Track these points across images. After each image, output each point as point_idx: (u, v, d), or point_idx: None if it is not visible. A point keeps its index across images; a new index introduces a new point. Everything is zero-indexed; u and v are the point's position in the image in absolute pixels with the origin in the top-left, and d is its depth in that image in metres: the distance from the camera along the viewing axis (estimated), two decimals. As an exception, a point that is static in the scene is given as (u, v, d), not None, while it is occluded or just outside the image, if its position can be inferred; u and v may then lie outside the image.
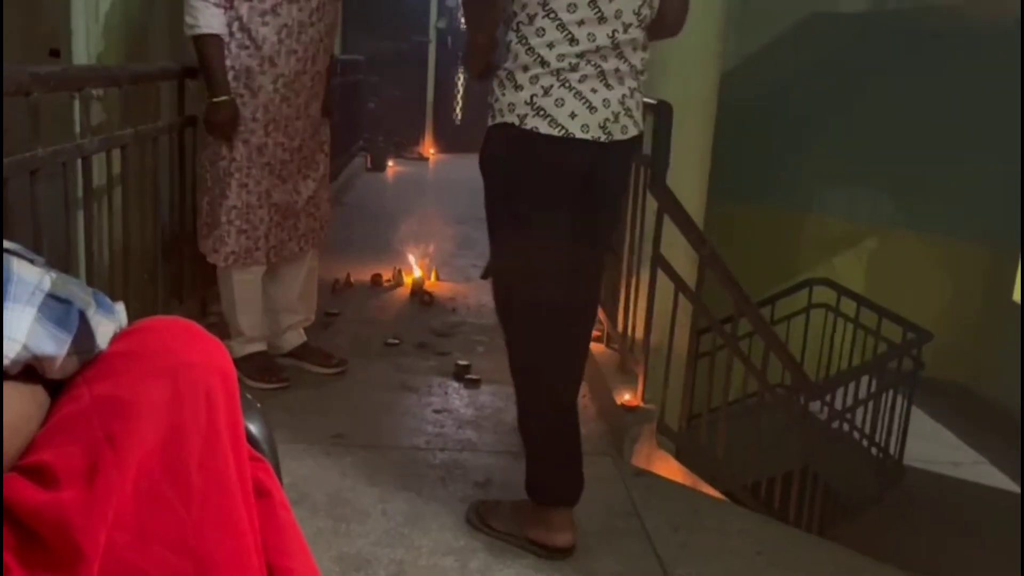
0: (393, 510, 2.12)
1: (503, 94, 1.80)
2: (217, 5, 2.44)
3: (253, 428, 0.94)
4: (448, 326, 3.53)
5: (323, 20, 2.58)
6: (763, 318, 3.17)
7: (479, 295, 4.02)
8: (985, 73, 5.90)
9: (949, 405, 5.99)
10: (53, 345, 0.79)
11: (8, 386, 0.78)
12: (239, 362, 2.69)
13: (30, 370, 0.81)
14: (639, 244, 2.91)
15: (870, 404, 4.56)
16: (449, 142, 8.52)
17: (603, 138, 1.80)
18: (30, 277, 0.79)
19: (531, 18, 1.75)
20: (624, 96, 1.83)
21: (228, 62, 2.49)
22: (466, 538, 2.02)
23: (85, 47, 2.63)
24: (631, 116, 1.86)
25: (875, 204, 6.78)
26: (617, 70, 1.80)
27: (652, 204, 2.75)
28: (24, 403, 0.78)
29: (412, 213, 5.27)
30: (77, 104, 2.19)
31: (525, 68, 1.77)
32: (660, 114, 2.70)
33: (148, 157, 2.56)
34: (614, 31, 1.77)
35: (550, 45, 1.75)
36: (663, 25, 1.89)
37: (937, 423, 5.85)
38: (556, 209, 1.81)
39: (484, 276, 1.88)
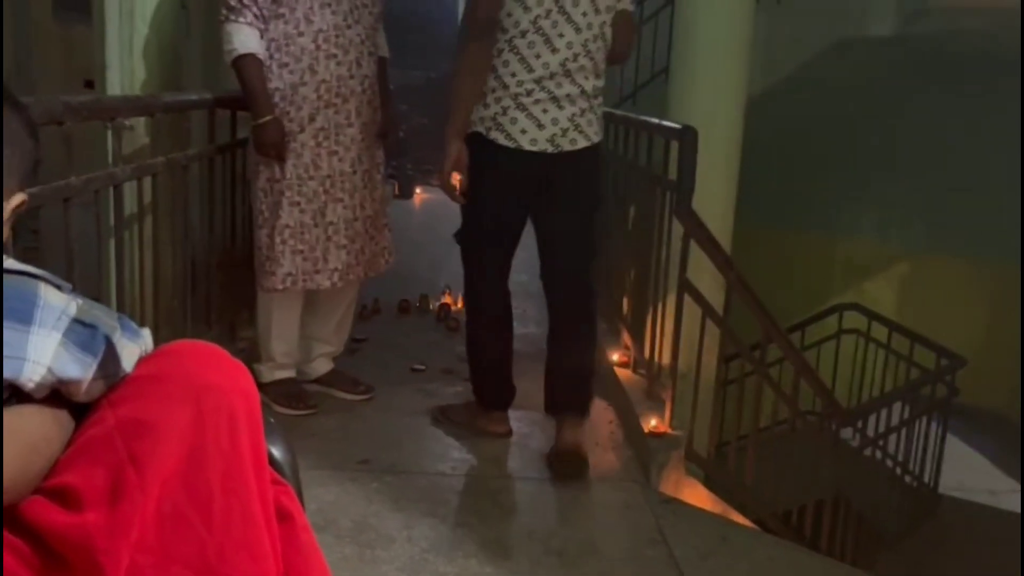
0: (418, 536, 2.11)
1: (476, 110, 2.41)
2: (251, 25, 2.44)
3: (276, 452, 0.94)
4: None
5: (360, 22, 2.53)
6: (792, 344, 3.14)
7: (506, 321, 4.02)
8: (1014, 97, 5.84)
9: (984, 432, 5.87)
10: (78, 369, 0.80)
11: (31, 408, 0.79)
12: (267, 387, 2.70)
13: (55, 393, 0.82)
14: (665, 269, 2.90)
15: (903, 431, 4.48)
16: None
17: (551, 150, 2.41)
18: (56, 302, 0.80)
19: (499, 52, 2.35)
20: (574, 115, 2.41)
21: (272, 84, 2.48)
22: (492, 565, 2.00)
23: (119, 78, 2.69)
24: (581, 131, 2.43)
25: (905, 227, 6.70)
26: (568, 95, 2.38)
27: (678, 229, 2.74)
28: (46, 425, 0.79)
29: (439, 240, 5.29)
30: (110, 133, 2.23)
31: (492, 90, 2.38)
32: (685, 139, 2.70)
33: (179, 185, 2.60)
34: (564, 60, 2.36)
35: (512, 73, 2.35)
36: (613, 52, 2.48)
37: (973, 450, 5.73)
38: (504, 198, 2.48)
39: (455, 236, 2.66)
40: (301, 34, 2.46)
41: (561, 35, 2.32)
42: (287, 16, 2.46)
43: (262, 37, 2.47)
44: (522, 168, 2.40)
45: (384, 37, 2.75)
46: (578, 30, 2.33)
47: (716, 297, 2.72)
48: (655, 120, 3.15)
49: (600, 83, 2.45)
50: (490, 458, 2.60)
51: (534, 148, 2.37)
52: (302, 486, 1.00)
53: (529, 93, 2.34)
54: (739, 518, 2.62)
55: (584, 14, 2.34)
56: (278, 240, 2.53)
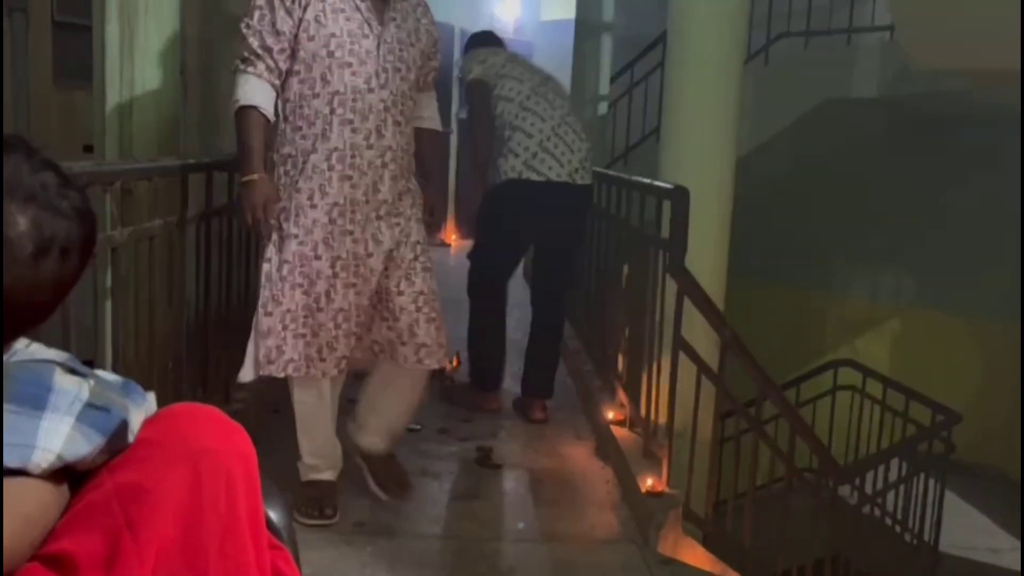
0: (414, 601, 2.07)
1: (506, 160, 3.29)
2: (260, 77, 2.24)
3: (273, 515, 0.94)
4: (469, 411, 3.51)
5: (387, 86, 2.27)
6: (788, 401, 3.14)
7: (501, 380, 4.01)
8: (1001, 155, 5.94)
9: (983, 489, 5.83)
10: (87, 448, 0.80)
11: (32, 485, 0.78)
12: (297, 487, 2.49)
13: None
14: (660, 327, 2.91)
15: (901, 488, 4.45)
16: (471, 229, 8.63)
17: (569, 181, 3.31)
18: (70, 387, 0.80)
19: (516, 115, 3.32)
20: (583, 159, 3.36)
21: (284, 149, 2.30)
22: (488, 630, 1.97)
23: (118, 143, 2.72)
24: (587, 171, 3.40)
25: (897, 284, 6.75)
26: (574, 141, 3.34)
27: (672, 287, 2.76)
28: (43, 494, 0.79)
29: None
30: (108, 197, 2.25)
31: (519, 143, 3.28)
32: (676, 198, 2.74)
33: (176, 247, 2.61)
34: (557, 122, 3.33)
35: (529, 135, 3.29)
36: None
37: (972, 508, 5.68)
38: (526, 221, 3.38)
39: (469, 256, 3.53)
40: (316, 95, 2.24)
41: (547, 108, 3.34)
42: (303, 74, 2.25)
43: (278, 94, 2.29)
44: (545, 198, 3.27)
45: (434, 106, 2.59)
46: (554, 107, 3.36)
47: (711, 354, 2.73)
48: (647, 180, 3.20)
49: (585, 137, 3.44)
50: (486, 520, 2.58)
51: (559, 179, 3.27)
52: (298, 549, 1.00)
53: (549, 139, 3.28)
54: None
55: (551, 101, 3.38)
56: (279, 326, 2.31)
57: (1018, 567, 5.03)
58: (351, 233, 2.30)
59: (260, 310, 2.33)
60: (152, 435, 0.85)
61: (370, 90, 2.26)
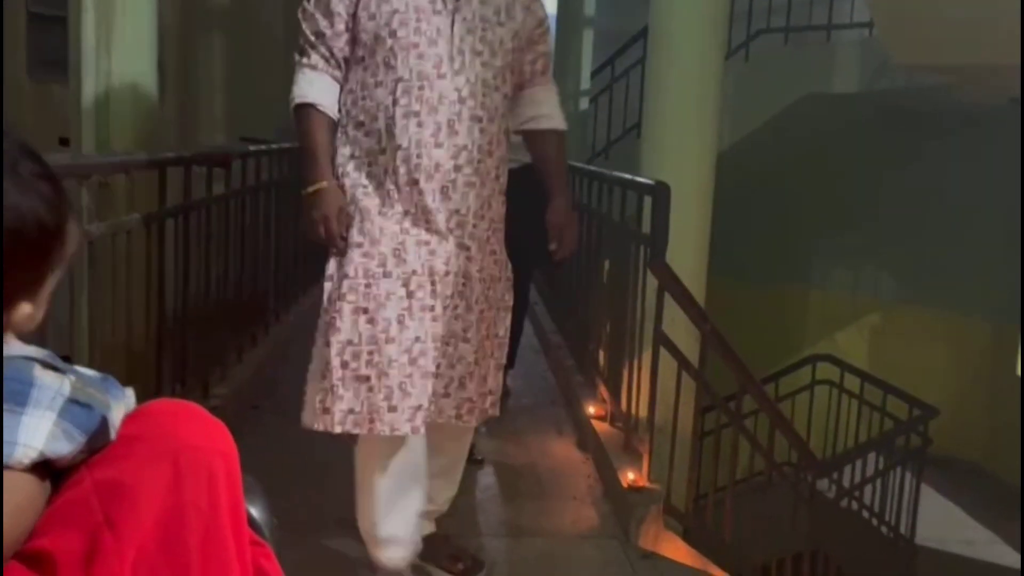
0: (395, 596, 2.07)
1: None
2: (316, 68, 1.92)
3: (255, 512, 0.93)
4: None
5: (464, 72, 1.86)
6: (767, 395, 3.16)
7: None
8: (979, 151, 6.00)
9: (959, 482, 5.90)
10: (68, 446, 0.79)
11: (19, 478, 0.78)
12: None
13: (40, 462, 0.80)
14: (640, 322, 2.92)
15: (878, 482, 4.49)
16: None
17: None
18: (51, 383, 0.79)
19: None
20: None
21: (347, 148, 1.92)
22: (470, 625, 1.97)
23: (94, 135, 2.69)
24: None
25: (876, 280, 6.81)
26: None
27: (652, 282, 2.77)
28: (28, 486, 0.78)
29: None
30: (84, 191, 2.23)
31: None
32: (657, 194, 2.75)
33: (153, 241, 2.59)
34: None
35: None
36: None
37: (948, 501, 5.75)
38: None
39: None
40: (379, 84, 1.87)
41: None
42: (365, 60, 1.89)
43: (341, 86, 1.94)
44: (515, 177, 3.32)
45: (554, 102, 2.09)
46: None
47: (691, 349, 2.74)
48: (628, 176, 3.20)
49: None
50: (467, 515, 2.58)
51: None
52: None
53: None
54: (718, 572, 2.60)
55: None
56: (336, 362, 1.85)
57: (992, 559, 5.10)
58: (427, 244, 1.87)
59: (318, 339, 1.91)
60: (132, 432, 0.83)
61: (440, 76, 1.84)
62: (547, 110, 2.07)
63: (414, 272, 1.85)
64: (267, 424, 3.15)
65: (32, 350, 0.81)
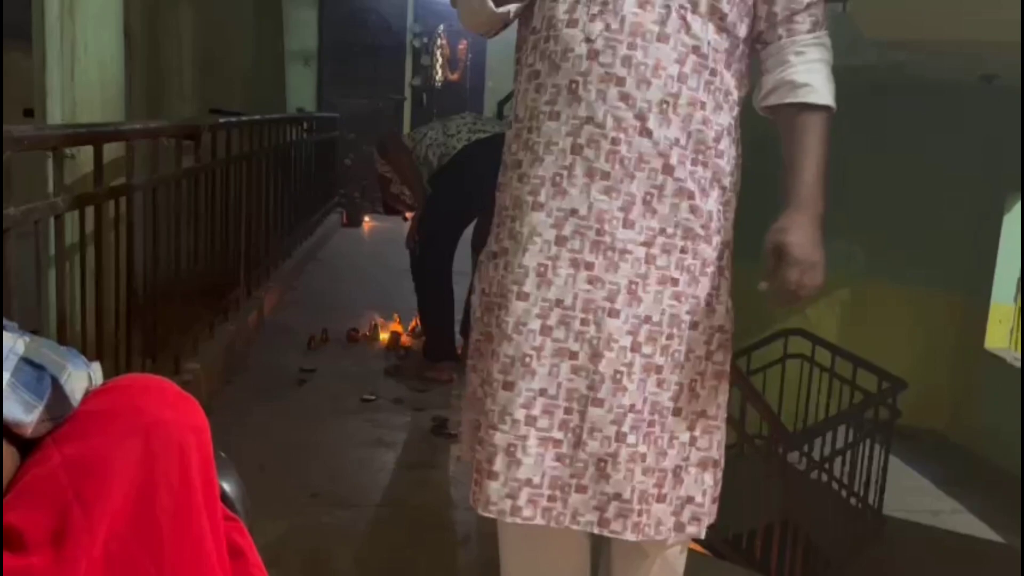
0: (371, 570, 2.08)
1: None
2: None
3: (227, 487, 0.92)
4: (425, 381, 3.50)
5: (602, 18, 1.29)
6: (739, 369, 3.18)
7: (456, 350, 4.01)
8: (949, 128, 6.05)
9: (926, 453, 6.00)
10: (22, 411, 0.78)
11: None
12: None
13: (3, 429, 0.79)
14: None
15: (848, 454, 4.56)
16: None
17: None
18: (4, 342, 0.78)
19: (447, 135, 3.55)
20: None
21: (518, 110, 1.40)
22: (445, 598, 1.98)
23: (60, 107, 2.63)
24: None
25: (847, 256, 6.87)
26: None
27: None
28: None
29: (388, 268, 5.27)
30: (51, 163, 2.18)
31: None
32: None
33: (122, 215, 2.55)
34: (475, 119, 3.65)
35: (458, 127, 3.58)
36: None
37: (915, 472, 5.85)
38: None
39: (408, 244, 3.62)
40: (527, 35, 1.40)
41: (460, 120, 3.66)
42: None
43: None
44: (499, 145, 3.21)
45: (818, 71, 1.38)
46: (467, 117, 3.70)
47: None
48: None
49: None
50: (440, 489, 2.58)
51: (504, 130, 3.24)
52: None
53: (476, 122, 3.65)
54: (690, 543, 2.63)
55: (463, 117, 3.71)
56: (467, 399, 1.47)
57: (958, 528, 5.20)
58: (588, 267, 1.31)
59: (469, 372, 1.49)
60: (102, 406, 0.82)
61: (570, 23, 1.31)
62: (804, 78, 1.35)
63: (559, 302, 1.31)
64: (238, 400, 3.13)
65: None
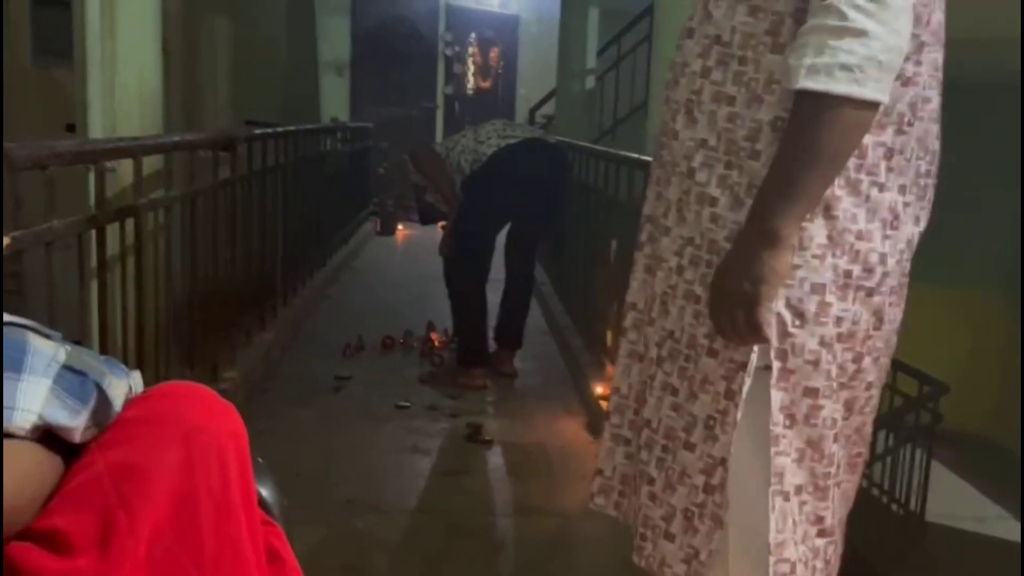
0: (406, 575, 2.09)
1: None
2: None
3: (265, 493, 0.94)
4: (458, 388, 3.52)
5: (709, 22, 1.20)
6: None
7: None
8: (981, 124, 5.95)
9: (970, 458, 5.89)
10: (68, 416, 0.80)
11: (26, 445, 0.79)
12: None
13: (48, 433, 0.81)
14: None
15: (888, 459, 4.49)
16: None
17: (544, 138, 3.75)
18: (46, 349, 0.80)
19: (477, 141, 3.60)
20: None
21: None
22: (481, 603, 1.99)
23: (100, 121, 2.69)
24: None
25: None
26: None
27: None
28: (35, 452, 0.79)
29: (421, 276, 5.30)
30: (92, 176, 2.23)
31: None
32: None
33: (161, 226, 2.59)
34: (504, 124, 3.75)
35: (488, 135, 3.61)
36: None
37: (958, 478, 5.75)
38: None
39: (442, 252, 3.67)
40: None
41: (491, 125, 3.71)
42: None
43: None
44: (529, 151, 3.55)
45: (802, 39, 1.07)
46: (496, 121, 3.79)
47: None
48: (635, 155, 3.19)
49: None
50: (476, 495, 2.59)
51: (533, 136, 3.69)
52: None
53: (507, 127, 3.70)
54: (728, 550, 2.61)
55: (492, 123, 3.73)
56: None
57: (1003, 535, 5.10)
58: (648, 271, 1.32)
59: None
60: (143, 413, 0.84)
61: (688, 32, 1.25)
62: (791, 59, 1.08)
63: (633, 305, 1.35)
64: (275, 407, 3.17)
65: (20, 319, 0.82)
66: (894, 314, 1.22)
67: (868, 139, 1.11)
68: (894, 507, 4.72)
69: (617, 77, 6.84)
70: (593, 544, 2.35)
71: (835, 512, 1.22)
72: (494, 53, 9.01)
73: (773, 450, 1.14)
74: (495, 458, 2.88)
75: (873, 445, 4.36)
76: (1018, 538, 5.07)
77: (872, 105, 1.05)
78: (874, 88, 1.02)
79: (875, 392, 1.24)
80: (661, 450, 1.26)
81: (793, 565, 1.16)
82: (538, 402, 3.43)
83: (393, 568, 2.12)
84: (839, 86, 1.01)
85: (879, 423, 4.93)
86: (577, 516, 2.47)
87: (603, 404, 3.12)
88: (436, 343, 4.03)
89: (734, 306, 1.09)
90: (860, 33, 1.01)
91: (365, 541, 2.23)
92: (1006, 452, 6.12)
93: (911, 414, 4.56)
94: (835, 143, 1.05)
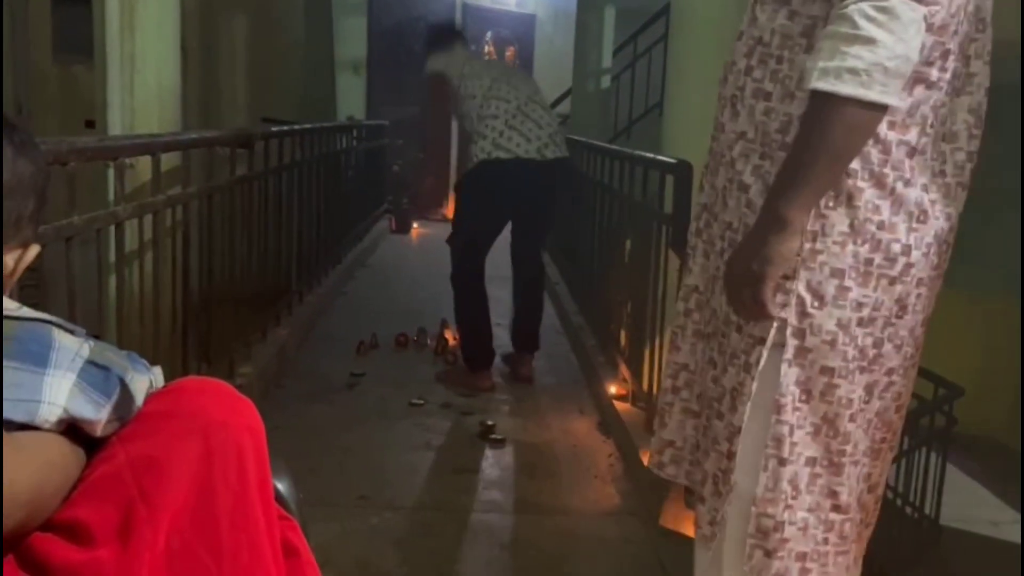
0: (418, 571, 2.10)
1: (475, 146, 3.40)
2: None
3: (281, 487, 0.95)
4: (469, 388, 3.53)
5: (755, 25, 1.30)
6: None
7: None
8: (997, 126, 5.91)
9: (985, 462, 5.85)
10: (93, 410, 0.82)
11: (52, 437, 0.81)
12: None
13: (71, 428, 0.83)
14: (662, 302, 2.91)
15: (903, 462, 4.47)
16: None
17: (538, 158, 3.41)
18: (70, 345, 0.82)
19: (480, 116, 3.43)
20: (552, 133, 3.50)
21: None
22: (493, 601, 1.99)
23: (120, 118, 2.71)
24: (557, 145, 3.49)
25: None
26: (541, 117, 3.50)
27: (674, 262, 2.76)
28: (62, 445, 0.81)
29: (436, 274, 5.32)
30: (111, 172, 2.25)
31: (485, 124, 3.41)
32: (679, 173, 2.73)
33: (179, 222, 2.62)
34: (525, 99, 3.49)
35: (497, 106, 3.42)
36: None
37: (974, 481, 5.71)
38: (500, 202, 3.49)
39: (448, 241, 3.59)
40: None
41: (510, 91, 3.49)
42: None
43: None
44: (517, 172, 3.37)
45: (819, 43, 1.16)
46: (517, 90, 3.51)
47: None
48: (650, 155, 3.19)
49: (554, 114, 3.47)
50: (488, 493, 2.60)
51: (527, 156, 3.38)
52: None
53: (515, 116, 3.42)
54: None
55: (514, 85, 3.53)
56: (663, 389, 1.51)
57: (1017, 540, 5.06)
58: (706, 255, 1.42)
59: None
60: (163, 408, 0.86)
61: (739, 34, 1.37)
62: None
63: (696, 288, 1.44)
64: (290, 404, 3.19)
65: (45, 315, 0.84)
66: (921, 305, 1.28)
67: (893, 137, 1.18)
68: (908, 510, 4.69)
69: (633, 77, 6.83)
70: (603, 543, 2.36)
71: (852, 491, 1.28)
72: (510, 52, 9.01)
73: (775, 417, 1.23)
74: (507, 457, 2.88)
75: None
76: (1033, 543, 5.02)
77: (878, 107, 1.12)
78: (879, 91, 1.10)
79: (898, 379, 1.30)
80: (705, 419, 1.38)
81: (779, 524, 1.24)
82: (551, 401, 3.43)
83: (405, 564, 2.13)
84: (845, 88, 1.10)
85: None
86: (588, 515, 2.48)
87: (616, 404, 3.12)
88: (450, 341, 4.04)
89: (742, 284, 1.20)
90: (869, 41, 1.09)
91: (378, 537, 2.25)
92: (1020, 456, 6.06)
93: (926, 417, 4.54)
94: (840, 139, 1.14)
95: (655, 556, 2.26)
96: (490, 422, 3.08)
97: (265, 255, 3.49)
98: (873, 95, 1.10)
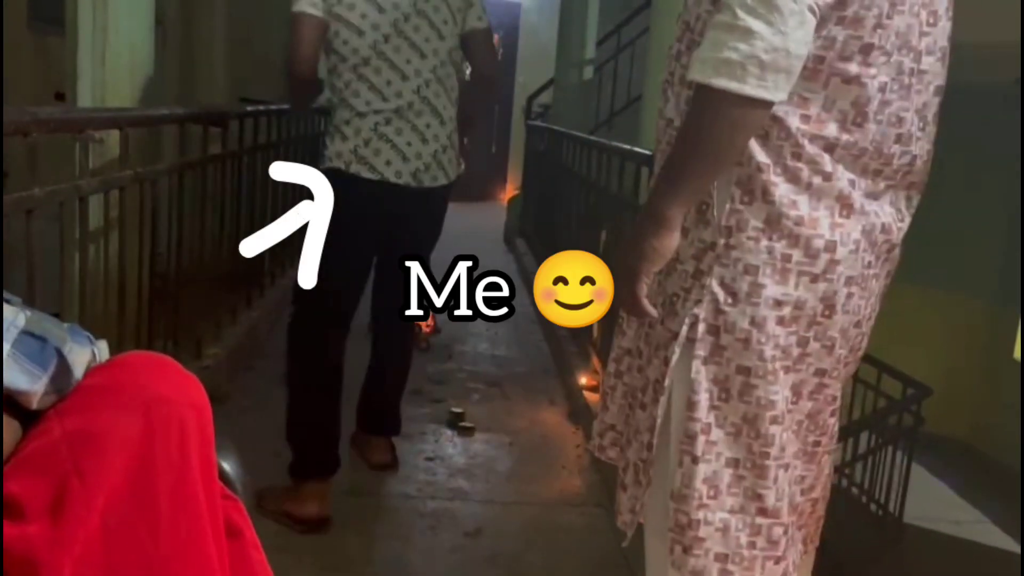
0: (379, 559, 2.09)
1: (333, 143, 2.20)
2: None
3: (227, 467, 0.93)
4: (443, 373, 3.52)
5: None
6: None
7: (476, 343, 4.01)
8: (976, 129, 5.96)
9: (949, 462, 5.92)
10: (27, 381, 0.79)
11: None
12: None
13: (6, 400, 0.81)
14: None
15: (869, 460, 4.51)
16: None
17: (413, 184, 2.23)
18: (6, 315, 0.80)
19: (347, 83, 2.17)
20: (437, 151, 2.26)
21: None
22: (453, 588, 1.99)
23: (90, 90, 2.66)
24: (442, 168, 2.29)
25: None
26: (430, 125, 2.24)
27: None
28: None
29: (412, 260, 5.29)
30: (77, 146, 2.21)
31: (347, 122, 2.18)
32: (655, 165, 2.73)
33: (147, 199, 2.58)
34: (418, 87, 2.21)
35: (367, 102, 2.17)
36: (476, 75, 2.40)
37: (938, 480, 5.78)
38: (360, 237, 2.24)
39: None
40: None
41: (408, 61, 2.18)
42: None
43: None
44: (383, 202, 2.21)
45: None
46: (423, 56, 2.20)
47: (684, 322, 2.73)
48: (626, 146, 3.18)
49: (454, 111, 2.31)
50: (454, 481, 2.59)
51: (399, 181, 2.21)
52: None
53: (388, 122, 2.19)
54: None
55: (427, 40, 2.20)
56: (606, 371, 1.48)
57: (980, 539, 5.13)
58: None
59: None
60: (104, 381, 0.84)
61: (679, 19, 1.36)
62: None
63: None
64: (259, 385, 3.16)
65: None
66: (853, 305, 1.22)
67: (806, 130, 1.13)
68: (872, 507, 4.74)
69: (616, 68, 6.82)
70: (568, 533, 2.36)
71: (782, 494, 1.23)
72: (494, 40, 8.99)
73: (687, 414, 1.20)
74: (476, 445, 2.88)
75: (855, 446, 4.38)
76: (993, 542, 5.10)
77: (755, 102, 1.06)
78: (755, 85, 1.04)
79: (831, 381, 1.26)
80: (628, 408, 1.36)
81: (694, 522, 1.21)
82: (522, 391, 3.42)
83: (368, 551, 2.12)
84: (719, 80, 1.05)
85: (862, 424, 4.93)
86: (554, 505, 2.48)
87: (587, 395, 3.12)
88: (424, 328, 4.02)
89: (620, 279, 1.19)
90: (746, 32, 1.04)
91: (341, 524, 2.23)
92: (985, 458, 6.15)
93: (894, 416, 4.58)
94: (715, 134, 1.08)
95: (618, 547, 2.26)
96: (460, 410, 3.07)
97: (237, 236, 3.44)
98: (748, 89, 1.04)
